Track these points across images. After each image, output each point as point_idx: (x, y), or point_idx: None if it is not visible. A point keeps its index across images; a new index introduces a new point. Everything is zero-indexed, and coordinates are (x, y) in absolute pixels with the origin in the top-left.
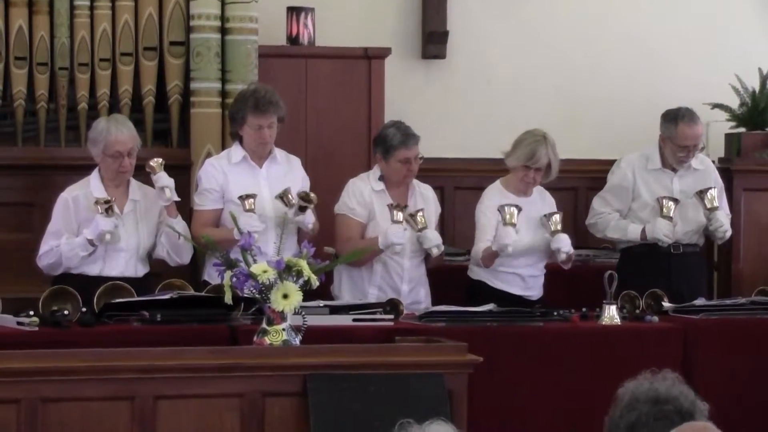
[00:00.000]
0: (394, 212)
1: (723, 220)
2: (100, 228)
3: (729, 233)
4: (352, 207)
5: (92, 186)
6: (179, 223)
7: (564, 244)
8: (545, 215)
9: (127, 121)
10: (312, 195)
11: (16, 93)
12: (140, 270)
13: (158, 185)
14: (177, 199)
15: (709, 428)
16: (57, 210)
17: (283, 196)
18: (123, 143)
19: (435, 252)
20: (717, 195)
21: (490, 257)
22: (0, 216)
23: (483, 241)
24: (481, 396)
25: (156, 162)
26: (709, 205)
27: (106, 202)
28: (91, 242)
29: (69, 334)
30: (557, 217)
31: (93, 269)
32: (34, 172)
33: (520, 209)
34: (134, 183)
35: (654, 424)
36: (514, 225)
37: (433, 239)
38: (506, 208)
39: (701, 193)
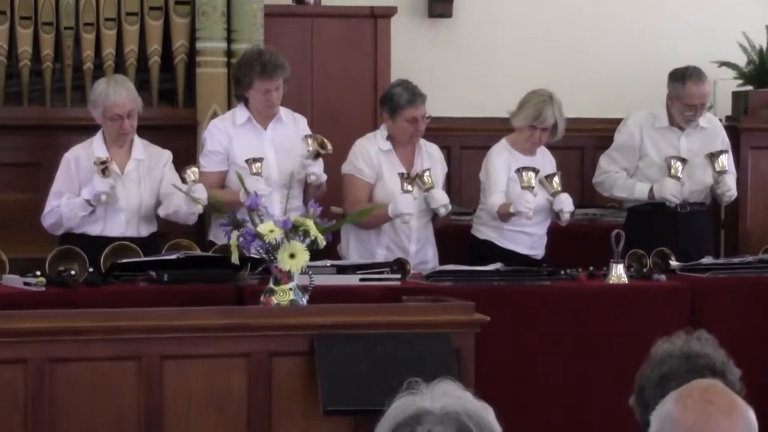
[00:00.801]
0: (404, 183)
1: (730, 183)
2: (96, 189)
3: (734, 196)
4: (360, 167)
5: (95, 146)
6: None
7: (566, 204)
8: (545, 176)
9: (127, 82)
10: (328, 144)
11: (21, 53)
12: (143, 230)
13: (194, 195)
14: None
15: (715, 385)
16: (60, 170)
17: (309, 138)
18: (122, 105)
19: (442, 212)
20: (726, 159)
21: (507, 215)
22: (6, 176)
23: (498, 193)
24: (489, 355)
25: (193, 172)
26: (718, 168)
27: (102, 162)
28: (88, 202)
29: (76, 294)
30: (557, 178)
31: (94, 229)
32: (40, 132)
33: (537, 171)
34: (138, 142)
35: (685, 377)
36: (532, 188)
37: (441, 199)
38: (524, 172)
39: (712, 156)
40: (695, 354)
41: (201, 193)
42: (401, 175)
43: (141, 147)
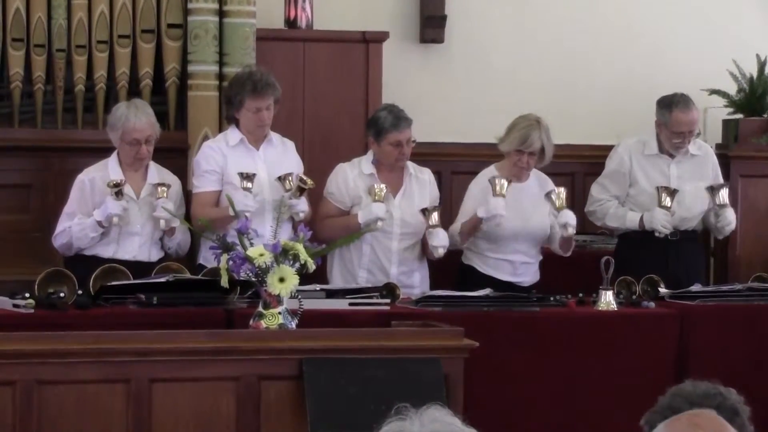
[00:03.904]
0: (496, 187)
1: (731, 218)
2: (108, 210)
3: (732, 229)
4: (331, 191)
5: (110, 169)
6: (174, 240)
7: (570, 218)
8: (549, 192)
9: (147, 107)
10: (309, 181)
11: (13, 75)
12: (154, 254)
13: (154, 213)
14: (175, 225)
15: (706, 412)
16: (74, 191)
17: (283, 179)
18: (140, 131)
19: (440, 252)
20: (726, 192)
21: (469, 232)
22: None
23: (459, 221)
24: (477, 380)
25: (162, 190)
26: (719, 201)
27: (116, 185)
28: (100, 224)
29: (65, 317)
30: (563, 193)
31: (106, 251)
32: (31, 153)
33: (510, 181)
34: (153, 166)
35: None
36: (504, 197)
37: (442, 240)
38: (497, 180)
39: (713, 189)
40: (704, 393)
41: (161, 210)
42: (491, 180)
43: (155, 171)
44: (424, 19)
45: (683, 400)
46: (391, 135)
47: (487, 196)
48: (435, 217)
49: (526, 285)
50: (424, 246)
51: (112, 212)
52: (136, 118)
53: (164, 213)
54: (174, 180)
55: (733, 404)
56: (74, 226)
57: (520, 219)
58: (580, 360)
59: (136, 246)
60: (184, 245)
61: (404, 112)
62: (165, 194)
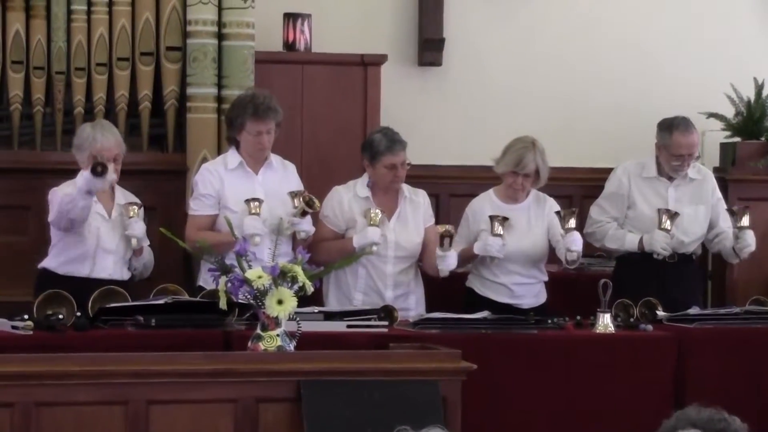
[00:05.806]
0: (495, 225)
1: (750, 240)
2: (97, 186)
3: (751, 252)
4: (326, 214)
5: None
6: (140, 261)
7: (573, 243)
8: (559, 212)
9: (112, 127)
10: (316, 202)
11: (12, 97)
12: (126, 273)
13: (126, 232)
14: (146, 244)
15: None
16: (54, 200)
17: (294, 196)
18: (108, 150)
19: (444, 273)
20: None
21: (466, 261)
22: None
23: (459, 245)
24: (475, 403)
25: (132, 209)
26: (739, 224)
27: (100, 165)
28: (89, 192)
29: (63, 338)
30: (574, 218)
31: (82, 270)
32: (30, 175)
33: (506, 219)
34: (118, 189)
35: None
36: (501, 236)
37: (450, 264)
38: (495, 220)
39: (733, 212)
40: (708, 418)
41: (134, 230)
42: (490, 218)
43: (120, 192)
44: (423, 42)
45: (687, 423)
46: (386, 158)
47: (483, 232)
48: (446, 242)
49: (526, 307)
50: (426, 265)
51: (99, 186)
52: (103, 137)
53: (137, 231)
54: (138, 202)
55: (737, 431)
56: (63, 204)
57: (515, 240)
58: (577, 383)
59: (110, 264)
60: (149, 265)
61: (399, 135)
62: (135, 213)
